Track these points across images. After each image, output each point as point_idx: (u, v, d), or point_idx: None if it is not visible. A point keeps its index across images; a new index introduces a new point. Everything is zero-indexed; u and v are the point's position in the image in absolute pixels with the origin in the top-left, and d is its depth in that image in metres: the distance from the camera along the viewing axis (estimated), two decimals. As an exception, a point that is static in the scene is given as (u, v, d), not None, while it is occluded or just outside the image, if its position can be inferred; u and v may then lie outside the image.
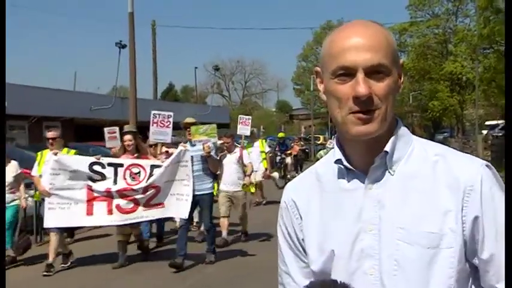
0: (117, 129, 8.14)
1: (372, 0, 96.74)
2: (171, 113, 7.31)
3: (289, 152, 19.44)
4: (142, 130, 11.10)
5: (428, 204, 1.15)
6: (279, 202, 1.38)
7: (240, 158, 8.61)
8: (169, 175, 6.85)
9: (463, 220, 1.13)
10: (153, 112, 7.26)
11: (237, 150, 8.70)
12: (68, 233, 8.34)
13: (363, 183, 1.21)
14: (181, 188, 6.83)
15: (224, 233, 8.34)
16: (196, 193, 6.91)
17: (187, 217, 6.84)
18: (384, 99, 1.14)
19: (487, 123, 36.98)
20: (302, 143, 26.24)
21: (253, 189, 9.72)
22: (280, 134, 20.78)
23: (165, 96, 54.78)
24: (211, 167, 7.22)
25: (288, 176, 18.18)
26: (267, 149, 13.33)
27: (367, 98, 1.12)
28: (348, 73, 1.14)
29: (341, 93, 1.15)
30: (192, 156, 6.92)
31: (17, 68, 79.93)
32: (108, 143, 7.93)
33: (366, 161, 1.20)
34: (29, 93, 18.87)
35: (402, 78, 1.23)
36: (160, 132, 7.19)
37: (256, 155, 12.62)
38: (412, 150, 1.22)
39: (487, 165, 1.17)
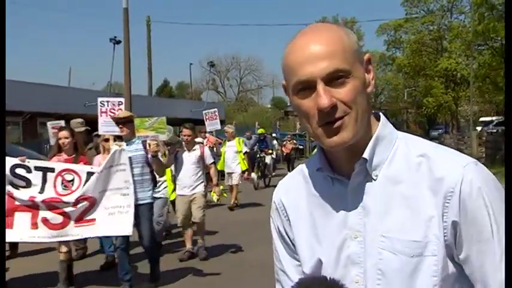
0: (62, 122, 7.54)
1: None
2: (122, 99, 6.41)
3: (270, 150, 17.83)
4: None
5: (411, 211, 1.13)
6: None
7: (201, 157, 7.24)
8: (103, 183, 5.56)
9: (444, 226, 1.10)
10: (100, 100, 6.32)
11: (198, 147, 7.30)
12: (10, 244, 7.12)
13: (347, 188, 1.19)
14: (118, 199, 5.55)
15: (188, 245, 7.30)
16: (134, 204, 5.61)
17: (130, 233, 5.54)
18: (352, 103, 1.10)
19: (482, 119, 37.14)
20: (295, 141, 24.80)
21: (224, 195, 8.69)
22: (260, 131, 18.68)
23: (160, 92, 54.66)
24: (157, 171, 5.96)
25: (268, 176, 17.31)
26: (245, 149, 12.02)
27: (331, 108, 1.09)
28: (308, 87, 1.11)
29: (305, 108, 1.12)
30: (130, 158, 5.61)
31: (11, 64, 79.63)
32: (53, 140, 7.17)
33: (348, 167, 1.18)
34: (23, 89, 18.78)
35: (372, 73, 1.18)
36: (110, 123, 6.02)
37: (232, 154, 11.75)
38: (395, 151, 1.18)
39: (472, 163, 1.13)
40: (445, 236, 1.10)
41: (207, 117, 11.93)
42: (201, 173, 7.24)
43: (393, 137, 1.20)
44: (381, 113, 1.24)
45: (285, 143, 23.55)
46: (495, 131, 25.54)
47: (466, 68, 39.03)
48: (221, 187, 8.09)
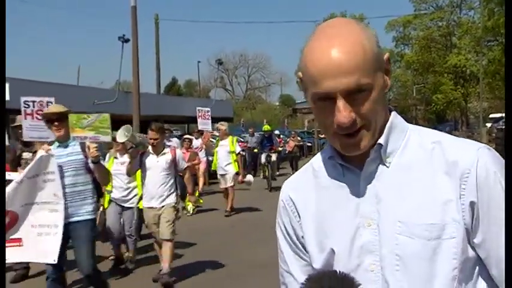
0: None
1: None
2: (52, 99, 5.10)
3: (278, 148, 16.85)
4: (146, 124, 11.07)
5: (427, 195, 1.12)
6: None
7: (173, 161, 6.06)
8: (27, 195, 4.49)
9: (462, 208, 1.10)
10: (23, 100, 5.22)
11: (168, 150, 6.09)
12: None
13: (359, 177, 1.18)
14: (46, 216, 4.47)
15: (165, 267, 5.95)
16: (69, 220, 4.50)
17: (56, 261, 4.39)
18: (371, 115, 1.11)
19: (491, 116, 36.89)
20: (299, 138, 23.25)
21: (201, 201, 7.92)
22: (266, 127, 17.10)
23: (168, 90, 54.80)
24: (100, 179, 4.84)
25: (275, 176, 16.05)
26: (238, 149, 10.95)
27: (350, 124, 1.09)
28: (327, 97, 1.10)
29: (323, 117, 1.13)
30: (60, 166, 4.51)
31: (20, 63, 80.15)
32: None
33: (361, 156, 1.17)
34: (32, 87, 18.86)
35: (389, 75, 1.18)
36: (37, 127, 5.04)
37: (224, 154, 10.78)
38: (407, 140, 1.19)
39: (485, 147, 1.14)
40: (464, 219, 1.10)
41: (199, 114, 11.39)
42: (172, 181, 6.04)
43: (404, 126, 1.21)
44: (392, 109, 1.23)
45: (288, 140, 22.00)
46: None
47: (475, 64, 38.78)
48: (197, 194, 7.32)
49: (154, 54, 30.09)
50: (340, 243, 1.18)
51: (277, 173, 18.67)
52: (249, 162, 18.39)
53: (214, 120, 12.38)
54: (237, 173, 10.83)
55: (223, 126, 11.29)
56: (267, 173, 15.53)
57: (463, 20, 43.74)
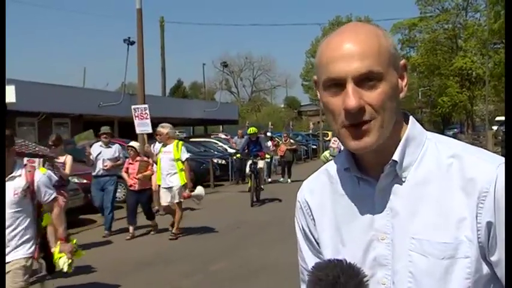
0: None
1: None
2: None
3: (267, 154, 14.00)
4: (151, 127, 11.01)
5: (441, 212, 1.10)
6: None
7: (29, 191, 3.84)
8: None
9: (477, 227, 1.08)
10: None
11: (21, 172, 3.81)
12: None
13: (374, 189, 1.17)
14: None
15: None
16: None
17: None
18: (380, 108, 1.09)
19: (497, 119, 36.68)
20: (292, 141, 19.81)
21: (82, 253, 4.42)
22: (251, 130, 13.42)
23: (173, 92, 54.89)
24: None
25: (262, 186, 13.51)
26: (185, 156, 8.68)
27: (358, 110, 1.07)
28: (338, 84, 1.09)
29: (333, 106, 1.11)
30: None
31: (26, 65, 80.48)
32: None
33: (376, 168, 1.16)
34: (38, 90, 18.94)
35: (406, 80, 1.17)
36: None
37: (168, 163, 8.67)
38: (424, 152, 1.16)
39: (504, 164, 1.11)
40: (478, 238, 1.08)
41: (136, 114, 9.56)
42: (27, 222, 3.82)
43: (423, 137, 1.18)
44: (409, 114, 1.21)
45: (280, 143, 19.41)
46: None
47: (481, 66, 38.63)
48: (73, 241, 4.35)
49: (160, 57, 30.20)
50: (352, 253, 1.18)
51: (269, 179, 17.71)
52: (236, 169, 17.34)
53: (221, 122, 11.97)
54: (185, 186, 8.74)
55: (164, 129, 8.92)
56: (250, 184, 12.80)
57: (469, 22, 43.58)
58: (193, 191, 9.08)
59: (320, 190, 1.29)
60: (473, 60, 41.55)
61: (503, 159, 1.12)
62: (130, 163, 8.97)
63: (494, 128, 30.52)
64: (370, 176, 1.18)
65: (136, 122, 9.90)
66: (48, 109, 19.16)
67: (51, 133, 9.49)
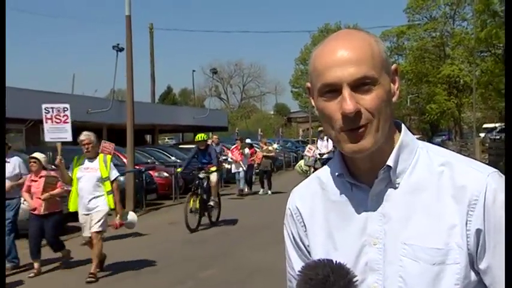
0: None
1: (369, 4, 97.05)
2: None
3: (219, 166, 11.82)
4: (140, 133, 10.94)
5: (433, 219, 1.13)
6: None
7: None
8: None
9: (467, 234, 1.10)
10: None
11: None
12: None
13: (367, 195, 1.18)
14: None
15: None
16: None
17: None
18: (376, 111, 1.11)
19: (485, 126, 37.10)
20: (271, 147, 18.16)
21: None
22: (199, 136, 11.10)
23: (163, 99, 54.82)
24: None
25: (211, 204, 10.58)
26: (114, 174, 6.96)
27: (355, 114, 1.09)
28: (334, 89, 1.11)
29: (329, 111, 1.13)
30: None
31: (14, 71, 79.87)
32: None
33: (370, 174, 1.18)
34: (25, 96, 18.81)
35: (397, 84, 1.20)
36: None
37: (91, 183, 6.80)
38: (417, 160, 1.19)
39: (496, 173, 1.14)
40: (468, 245, 1.10)
41: (48, 116, 7.12)
42: None
43: (415, 145, 1.21)
44: (401, 122, 1.24)
45: (257, 150, 17.81)
46: (498, 137, 25.50)
47: (468, 74, 38.98)
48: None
49: (149, 63, 30.12)
50: (345, 258, 1.19)
51: (246, 190, 16.30)
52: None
53: (210, 129, 11.73)
54: (113, 210, 7.06)
55: (86, 137, 6.94)
56: (190, 205, 10.08)
57: (456, 30, 43.99)
58: (124, 216, 7.43)
59: (311, 197, 1.29)
60: (461, 68, 41.90)
61: (493, 169, 1.15)
62: (33, 180, 6.98)
63: (482, 135, 30.84)
64: (363, 182, 1.19)
65: (47, 126, 7.19)
66: (36, 116, 19.00)
67: (39, 140, 9.02)
